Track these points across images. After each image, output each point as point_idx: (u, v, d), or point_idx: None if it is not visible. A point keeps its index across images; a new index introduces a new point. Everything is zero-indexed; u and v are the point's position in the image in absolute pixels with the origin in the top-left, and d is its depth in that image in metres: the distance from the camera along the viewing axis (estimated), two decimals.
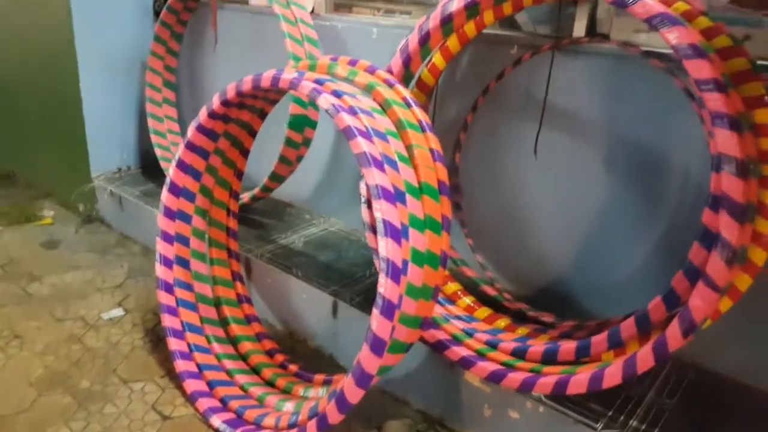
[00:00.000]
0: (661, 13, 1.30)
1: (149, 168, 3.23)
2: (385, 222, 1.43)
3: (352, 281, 2.17)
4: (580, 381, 1.43)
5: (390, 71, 1.86)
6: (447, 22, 1.71)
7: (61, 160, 3.33)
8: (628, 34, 1.72)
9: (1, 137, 3.74)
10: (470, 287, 2.03)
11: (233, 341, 2.10)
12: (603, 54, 1.75)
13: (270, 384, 1.96)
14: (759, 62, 1.42)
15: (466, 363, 1.68)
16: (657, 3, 1.33)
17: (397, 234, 1.44)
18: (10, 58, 3.42)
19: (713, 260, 1.24)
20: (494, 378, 1.61)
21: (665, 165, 1.71)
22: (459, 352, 1.70)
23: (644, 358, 1.33)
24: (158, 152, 3.06)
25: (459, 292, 1.98)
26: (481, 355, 1.69)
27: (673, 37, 1.28)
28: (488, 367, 1.62)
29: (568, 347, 1.57)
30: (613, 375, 1.38)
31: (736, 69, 1.42)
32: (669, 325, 1.31)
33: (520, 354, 1.67)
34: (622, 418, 1.54)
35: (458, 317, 1.89)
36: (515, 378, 1.56)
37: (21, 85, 3.44)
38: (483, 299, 1.99)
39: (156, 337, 2.22)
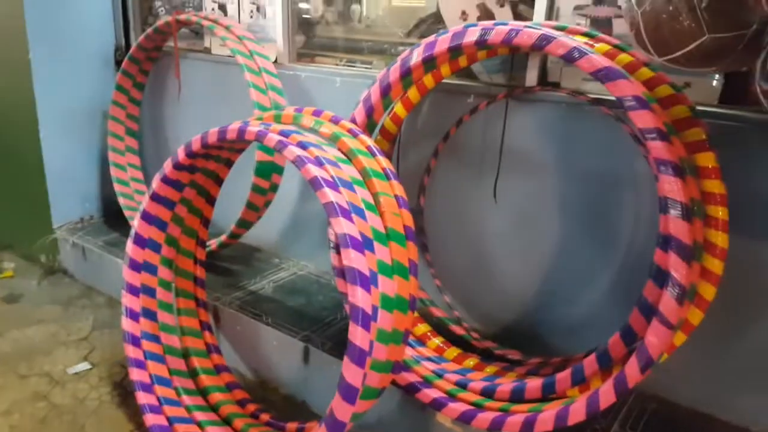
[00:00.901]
0: (605, 67, 1.39)
1: (112, 217, 3.21)
2: (354, 270, 1.46)
3: (323, 326, 2.19)
4: (546, 419, 1.48)
5: (354, 121, 1.93)
6: (406, 75, 1.79)
7: (21, 211, 3.28)
8: (578, 83, 1.83)
9: None
10: (439, 327, 2.07)
11: (203, 392, 2.08)
12: (554, 101, 1.85)
13: None
14: (698, 108, 1.54)
15: (437, 404, 1.71)
16: (601, 57, 1.42)
17: (366, 281, 1.47)
18: None
19: (665, 299, 1.31)
20: (465, 418, 1.64)
21: (618, 206, 1.80)
22: (430, 394, 1.73)
23: (606, 394, 1.39)
24: (121, 201, 3.06)
25: (429, 333, 2.02)
26: (452, 396, 1.72)
27: (617, 89, 1.37)
28: (459, 408, 1.66)
29: (534, 385, 1.62)
30: (577, 412, 1.43)
31: (677, 116, 1.52)
32: (628, 361, 1.37)
33: (488, 393, 1.71)
34: None
35: (428, 358, 1.92)
36: (485, 418, 1.60)
37: None
38: (452, 339, 2.03)
39: (124, 391, 2.19)
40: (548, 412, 1.48)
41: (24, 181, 3.16)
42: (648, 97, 1.39)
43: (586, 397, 1.44)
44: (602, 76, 1.40)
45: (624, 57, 1.55)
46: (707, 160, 1.50)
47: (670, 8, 1.06)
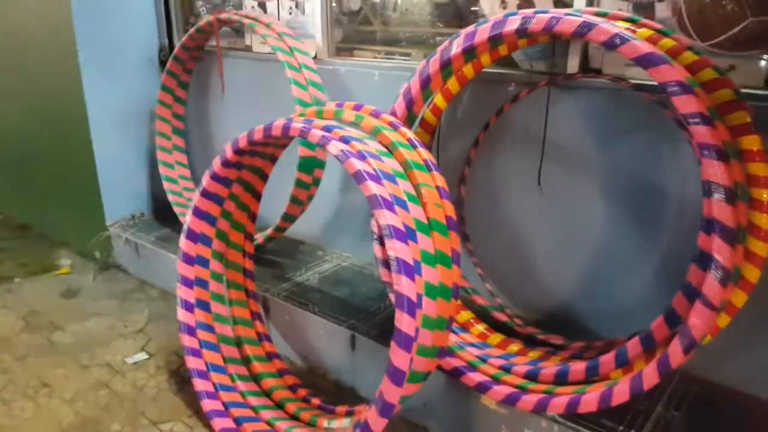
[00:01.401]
0: (647, 53, 1.40)
1: (162, 213, 3.33)
2: (398, 260, 1.51)
3: (367, 315, 2.25)
4: (590, 400, 1.50)
5: (394, 114, 1.97)
6: (446, 66, 1.82)
7: (76, 210, 3.43)
8: (620, 69, 1.83)
9: (16, 190, 3.86)
10: (482, 314, 2.11)
11: (256, 378, 2.17)
12: (597, 88, 1.85)
13: (294, 418, 2.02)
14: (743, 91, 1.53)
15: (482, 387, 1.75)
16: (643, 43, 1.43)
17: (410, 270, 1.52)
18: (24, 115, 3.55)
19: (708, 281, 1.32)
20: (510, 400, 1.68)
21: (661, 191, 1.80)
22: (474, 377, 1.78)
23: (650, 375, 1.41)
24: (171, 197, 3.16)
25: (472, 320, 2.06)
26: (496, 380, 1.76)
27: (659, 75, 1.38)
28: (503, 390, 1.70)
29: (578, 368, 1.65)
30: (621, 393, 1.45)
31: (721, 100, 1.52)
32: (671, 343, 1.39)
33: (532, 377, 1.74)
34: (631, 431, 1.61)
35: (472, 344, 1.96)
36: (530, 400, 1.63)
37: (35, 140, 3.56)
38: (495, 325, 2.07)
39: (181, 379, 2.29)
40: (592, 394, 1.51)
41: (77, 182, 3.30)
42: (691, 82, 1.39)
43: (629, 378, 1.46)
44: (645, 62, 1.40)
45: (667, 42, 1.55)
46: (752, 143, 1.49)
47: None
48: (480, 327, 2.04)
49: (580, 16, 1.51)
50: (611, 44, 1.44)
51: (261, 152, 2.15)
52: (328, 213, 2.79)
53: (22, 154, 3.69)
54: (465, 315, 2.07)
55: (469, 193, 2.20)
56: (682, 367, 1.68)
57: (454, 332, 2.01)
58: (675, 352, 1.38)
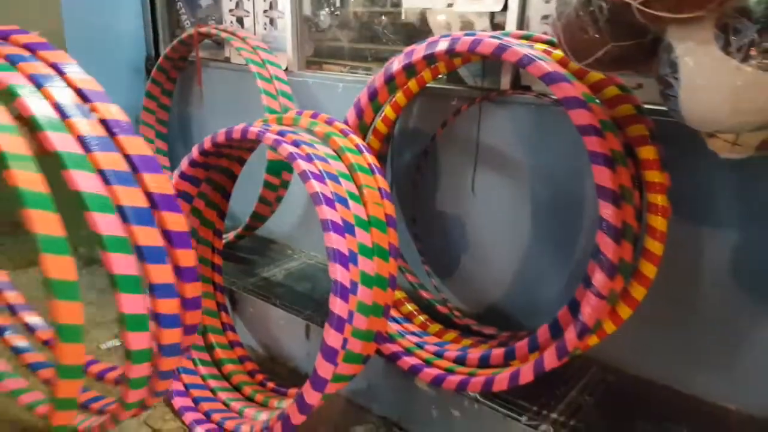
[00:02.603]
0: (549, 72, 1.60)
1: None
2: (334, 250, 1.70)
3: (324, 306, 2.42)
4: (501, 379, 1.69)
5: (346, 122, 2.17)
6: (390, 81, 2.02)
7: (63, 210, 3.61)
8: (545, 86, 2.02)
9: (6, 190, 4.04)
10: (427, 308, 2.30)
11: (218, 364, 2.35)
12: (525, 103, 2.05)
13: (249, 399, 2.21)
14: (648, 107, 1.72)
15: (414, 370, 1.94)
16: (548, 63, 1.63)
17: (345, 260, 1.71)
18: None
19: (597, 273, 1.51)
20: (437, 381, 1.87)
21: (580, 196, 1.99)
22: (409, 361, 1.96)
23: (550, 357, 1.60)
24: None
25: (414, 312, 2.25)
26: (428, 363, 1.95)
27: (559, 91, 1.58)
28: (432, 372, 1.88)
29: (498, 353, 1.84)
30: (527, 373, 1.64)
31: (624, 113, 1.72)
32: (567, 329, 1.57)
33: (461, 361, 1.93)
34: (544, 412, 1.79)
35: (413, 333, 2.15)
36: (453, 380, 1.82)
37: None
38: (437, 318, 2.25)
39: None
40: (503, 374, 1.70)
41: (64, 184, 3.48)
42: (587, 97, 1.59)
43: (534, 361, 1.65)
44: (548, 79, 1.61)
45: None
46: (649, 152, 1.69)
47: (580, 21, 1.27)
48: (421, 318, 2.23)
49: (499, 39, 1.71)
50: (521, 63, 1.64)
51: (227, 154, 2.34)
52: (298, 213, 2.98)
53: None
54: (409, 307, 2.25)
55: (419, 197, 2.40)
56: (602, 358, 1.89)
57: (397, 322, 2.20)
58: (570, 337, 1.57)
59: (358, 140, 2.05)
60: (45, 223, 1.37)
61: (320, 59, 2.90)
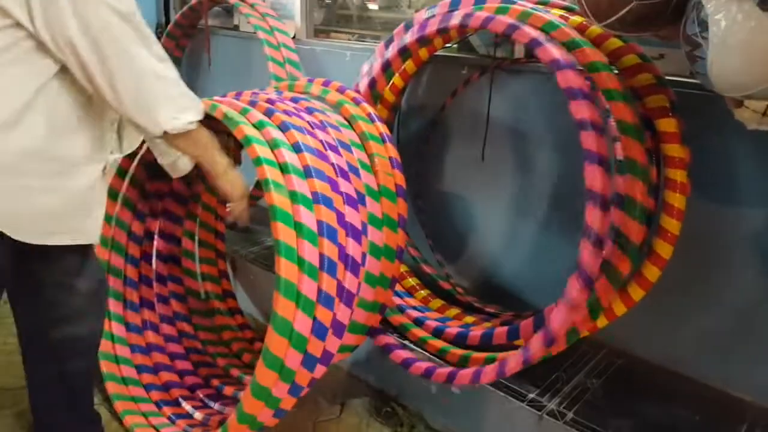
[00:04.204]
0: (533, 38, 1.57)
1: None
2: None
3: None
4: (489, 371, 1.67)
5: (358, 90, 2.12)
6: (404, 52, 1.97)
7: None
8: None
9: None
10: (430, 283, 2.27)
11: (218, 330, 2.34)
12: (538, 72, 1.99)
13: (249, 366, 2.20)
14: (670, 78, 1.66)
15: (405, 364, 1.91)
16: (531, 29, 1.59)
17: (357, 233, 1.67)
18: None
19: (583, 246, 1.47)
20: (426, 374, 1.85)
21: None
22: (401, 354, 1.94)
23: (536, 345, 1.56)
24: None
25: (416, 286, 2.22)
26: (423, 342, 1.93)
27: (544, 55, 1.54)
28: (421, 366, 1.87)
29: (500, 332, 1.81)
30: (515, 363, 1.61)
31: (643, 83, 1.66)
32: (552, 313, 1.54)
33: (461, 338, 1.90)
34: (547, 394, 1.76)
35: (414, 307, 2.12)
36: (441, 372, 1.81)
37: None
38: (439, 293, 2.22)
39: None
40: (491, 366, 1.67)
41: None
42: (603, 67, 1.54)
43: (522, 349, 1.62)
44: (533, 44, 1.56)
45: (595, 29, 1.69)
46: (669, 125, 1.62)
47: None
48: (423, 292, 2.20)
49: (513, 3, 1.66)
50: (530, 46, 1.59)
51: None
52: None
53: None
54: (411, 281, 2.22)
55: (426, 168, 2.36)
56: (611, 341, 1.87)
57: (398, 296, 2.17)
58: (556, 320, 1.53)
59: (370, 109, 1.99)
60: None
61: (328, 27, 2.86)
